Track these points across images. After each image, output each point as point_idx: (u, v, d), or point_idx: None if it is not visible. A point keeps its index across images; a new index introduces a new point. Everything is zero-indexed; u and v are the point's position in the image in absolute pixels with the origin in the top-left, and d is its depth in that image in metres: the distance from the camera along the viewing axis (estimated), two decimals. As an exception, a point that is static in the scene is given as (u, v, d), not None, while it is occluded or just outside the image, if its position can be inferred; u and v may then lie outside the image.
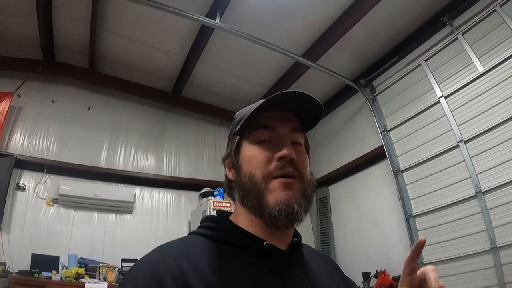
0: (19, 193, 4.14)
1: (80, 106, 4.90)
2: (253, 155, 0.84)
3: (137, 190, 4.98)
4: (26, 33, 4.20)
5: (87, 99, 4.98)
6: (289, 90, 0.81)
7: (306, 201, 0.82)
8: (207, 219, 0.89)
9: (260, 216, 0.80)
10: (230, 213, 0.91)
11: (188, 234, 0.87)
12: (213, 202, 4.61)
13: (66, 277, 3.67)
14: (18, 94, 4.37)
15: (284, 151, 0.80)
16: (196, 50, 4.56)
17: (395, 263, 4.28)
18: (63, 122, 4.68)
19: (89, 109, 4.95)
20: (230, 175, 0.90)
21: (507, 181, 3.27)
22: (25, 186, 4.20)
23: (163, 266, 0.68)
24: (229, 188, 0.92)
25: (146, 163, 5.22)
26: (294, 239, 0.88)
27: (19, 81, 4.37)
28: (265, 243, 0.79)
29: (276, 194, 0.79)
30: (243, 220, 0.84)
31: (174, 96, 5.52)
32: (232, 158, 0.89)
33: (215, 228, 0.83)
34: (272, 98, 0.81)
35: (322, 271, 0.92)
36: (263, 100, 0.86)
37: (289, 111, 0.88)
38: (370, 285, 4.30)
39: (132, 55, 4.74)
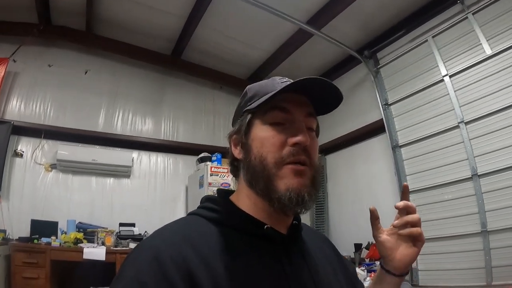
0: (17, 159, 4.14)
1: (77, 69, 4.78)
2: (265, 137, 0.82)
3: (135, 154, 4.97)
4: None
5: (85, 63, 4.85)
6: (315, 77, 0.79)
7: (315, 189, 0.82)
8: (207, 199, 0.89)
9: (268, 200, 0.79)
10: (231, 192, 0.91)
11: (188, 215, 0.88)
12: (211, 167, 4.62)
13: (65, 242, 3.73)
14: (14, 59, 4.24)
15: (299, 137, 0.79)
16: (198, 12, 4.39)
17: (387, 236, 4.38)
18: (60, 87, 4.58)
19: (86, 72, 4.83)
20: (237, 153, 0.89)
21: (504, 167, 3.30)
22: (23, 152, 4.19)
23: (166, 252, 0.68)
24: (233, 166, 0.92)
25: (144, 127, 5.18)
26: (294, 221, 0.89)
27: (15, 46, 4.22)
28: (265, 226, 0.80)
29: (287, 181, 0.78)
30: (246, 201, 0.84)
31: (173, 59, 5.38)
32: (242, 137, 0.87)
33: (216, 209, 0.84)
34: (295, 84, 0.79)
35: (319, 253, 0.94)
36: (279, 78, 0.86)
37: (305, 95, 0.85)
38: (361, 256, 4.43)
39: (130, 17, 4.55)
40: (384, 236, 0.94)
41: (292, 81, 0.83)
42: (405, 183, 0.95)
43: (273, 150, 0.80)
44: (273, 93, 0.80)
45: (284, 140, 0.80)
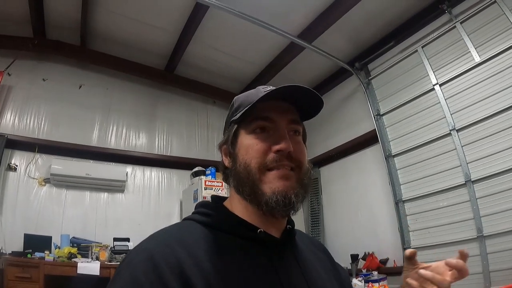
0: (11, 173, 4.09)
1: (71, 84, 4.78)
2: (250, 145, 0.84)
3: (128, 168, 4.94)
4: (16, 10, 4.03)
5: (79, 77, 4.85)
6: (292, 84, 0.81)
7: (303, 191, 0.83)
8: (201, 205, 0.91)
9: (256, 204, 0.81)
10: (225, 198, 0.93)
11: (183, 220, 0.89)
12: (205, 181, 4.61)
13: (59, 257, 3.67)
14: (8, 73, 4.24)
15: (281, 145, 0.81)
16: (190, 28, 4.45)
17: (383, 246, 4.39)
18: (54, 101, 4.57)
19: (80, 87, 4.84)
20: (227, 162, 0.91)
21: (497, 171, 3.33)
22: (16, 166, 4.14)
23: (160, 254, 0.69)
24: (225, 174, 0.93)
25: (138, 142, 5.17)
26: (287, 226, 0.90)
27: (9, 59, 4.22)
28: (258, 230, 0.81)
29: (272, 185, 0.80)
30: (238, 206, 0.86)
31: (166, 74, 5.42)
32: (229, 146, 0.90)
33: (210, 214, 0.85)
34: (274, 92, 0.81)
35: (313, 258, 0.95)
36: (263, 87, 0.88)
37: (289, 102, 0.88)
38: (358, 267, 4.40)
39: (124, 32, 4.61)
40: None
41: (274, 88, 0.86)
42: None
43: (257, 156, 0.82)
44: (251, 104, 0.83)
45: (267, 147, 0.82)
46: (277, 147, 0.81)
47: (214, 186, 4.61)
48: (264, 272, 0.77)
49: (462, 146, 3.65)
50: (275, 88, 0.81)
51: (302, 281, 0.81)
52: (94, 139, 4.79)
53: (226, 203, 0.90)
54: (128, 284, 0.65)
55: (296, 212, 0.83)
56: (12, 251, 3.62)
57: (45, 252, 3.65)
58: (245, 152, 0.84)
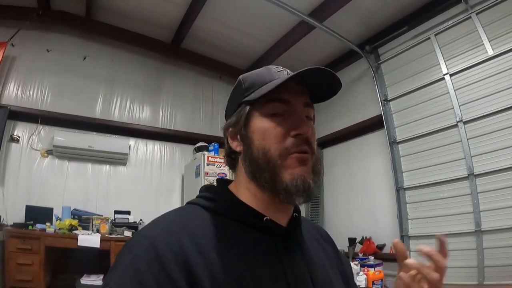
0: (13, 144, 4.10)
1: (75, 55, 4.71)
2: (266, 128, 0.80)
3: (131, 141, 4.94)
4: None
5: (83, 48, 4.78)
6: (315, 66, 0.77)
7: (317, 177, 0.81)
8: (206, 188, 0.89)
9: (274, 191, 0.79)
10: (230, 181, 0.90)
11: (186, 204, 0.87)
12: (208, 157, 4.60)
13: (59, 228, 3.72)
14: (12, 44, 4.17)
15: (301, 129, 0.79)
16: (199, 2, 4.33)
17: (381, 231, 4.44)
18: (58, 72, 4.52)
19: (85, 58, 4.76)
20: (235, 145, 0.87)
21: (501, 168, 3.31)
22: (19, 137, 4.14)
23: (162, 240, 0.68)
24: (230, 158, 0.90)
25: (141, 115, 5.14)
26: (294, 214, 0.88)
27: (13, 30, 4.14)
28: (265, 218, 0.80)
29: (292, 171, 0.78)
30: (245, 192, 0.84)
31: (173, 47, 5.32)
32: (241, 129, 0.85)
33: (215, 199, 0.83)
34: (298, 75, 0.78)
35: (318, 247, 0.94)
36: (274, 67, 0.85)
37: (303, 84, 0.84)
38: (355, 251, 4.46)
39: (131, 4, 4.48)
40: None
41: (287, 70, 0.84)
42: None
43: (275, 141, 0.79)
44: (276, 84, 0.78)
45: (285, 131, 0.79)
46: (296, 131, 0.79)
47: (216, 162, 4.59)
48: (269, 262, 0.76)
49: (467, 139, 3.62)
50: (301, 71, 0.77)
51: (305, 271, 0.80)
52: (97, 111, 4.77)
53: (231, 187, 0.87)
54: (130, 272, 0.64)
55: (312, 199, 0.81)
56: (13, 223, 3.68)
57: (46, 224, 3.70)
58: (262, 136, 0.80)
